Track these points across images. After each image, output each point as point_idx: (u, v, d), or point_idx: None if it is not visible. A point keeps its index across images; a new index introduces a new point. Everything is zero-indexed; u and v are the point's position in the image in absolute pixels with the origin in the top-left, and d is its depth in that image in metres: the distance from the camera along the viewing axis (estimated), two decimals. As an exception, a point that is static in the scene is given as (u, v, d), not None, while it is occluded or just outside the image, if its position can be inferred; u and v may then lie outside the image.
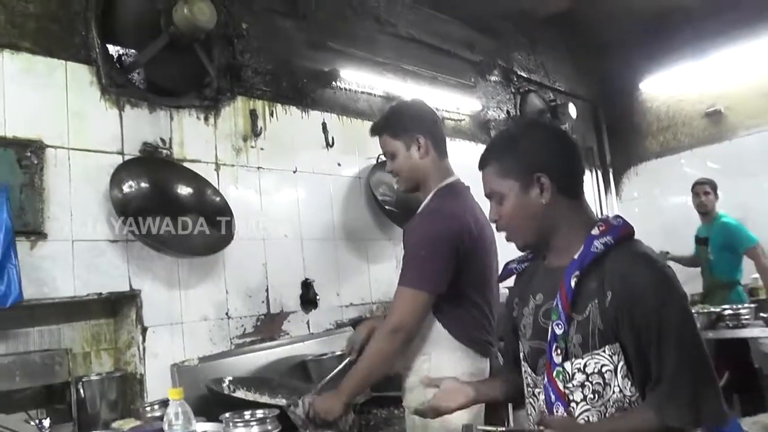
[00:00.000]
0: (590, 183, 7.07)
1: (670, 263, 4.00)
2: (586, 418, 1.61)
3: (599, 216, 1.80)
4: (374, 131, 2.66)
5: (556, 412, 1.65)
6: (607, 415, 1.59)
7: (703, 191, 5.44)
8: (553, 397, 1.65)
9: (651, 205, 6.93)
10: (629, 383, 1.58)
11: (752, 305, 4.59)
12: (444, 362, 2.38)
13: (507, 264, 1.99)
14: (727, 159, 6.34)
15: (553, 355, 1.64)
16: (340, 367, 2.66)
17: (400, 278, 2.36)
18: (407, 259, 2.39)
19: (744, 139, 6.29)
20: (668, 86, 6.80)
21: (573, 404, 1.63)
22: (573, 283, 1.62)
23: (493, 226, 1.89)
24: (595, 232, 1.67)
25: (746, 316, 4.41)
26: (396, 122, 2.59)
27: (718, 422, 1.56)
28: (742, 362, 4.69)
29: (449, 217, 2.39)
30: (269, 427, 2.18)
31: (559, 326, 1.63)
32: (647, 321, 1.54)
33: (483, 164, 1.81)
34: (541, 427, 1.55)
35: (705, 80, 6.51)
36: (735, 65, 6.26)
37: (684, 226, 5.77)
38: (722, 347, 4.56)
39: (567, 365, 1.63)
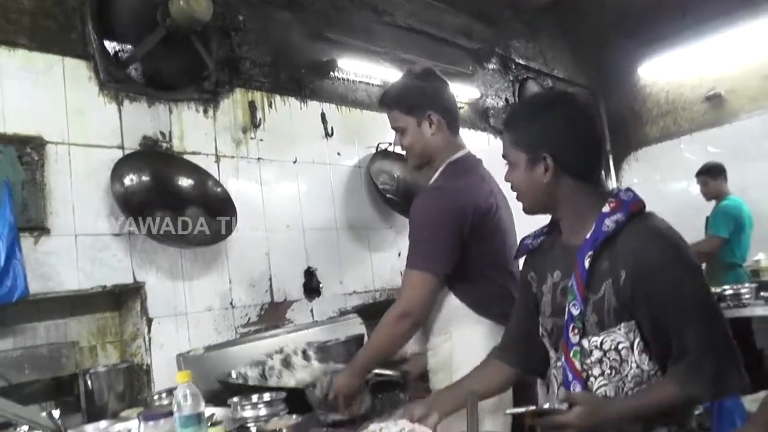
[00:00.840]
0: (591, 169, 7.07)
1: None
2: (604, 393, 1.64)
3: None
4: (384, 104, 2.54)
5: (573, 390, 1.67)
6: (624, 389, 1.62)
7: (701, 182, 5.56)
8: (570, 375, 1.68)
9: (651, 191, 6.90)
10: (647, 358, 1.61)
11: (753, 285, 4.60)
12: (466, 338, 2.31)
13: (523, 240, 1.99)
14: (727, 143, 6.33)
15: (570, 335, 1.67)
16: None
17: (407, 260, 2.32)
18: (411, 240, 2.33)
19: (745, 122, 6.29)
20: (667, 71, 6.79)
21: (591, 379, 1.66)
22: (587, 264, 1.64)
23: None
24: (605, 209, 1.67)
25: (747, 296, 4.43)
26: (408, 98, 2.46)
27: (741, 391, 1.59)
28: (744, 342, 4.71)
29: (452, 195, 2.30)
30: (277, 409, 2.21)
31: (576, 306, 1.66)
32: (664, 298, 1.57)
33: (504, 127, 1.86)
34: (566, 404, 1.57)
35: (704, 64, 6.50)
36: (735, 47, 6.24)
37: (685, 211, 5.75)
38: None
39: (584, 342, 1.66)
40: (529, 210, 1.82)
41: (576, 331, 1.66)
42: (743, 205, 5.44)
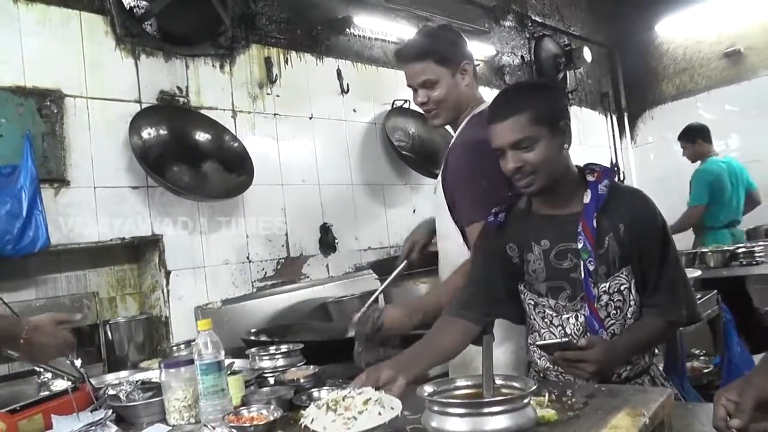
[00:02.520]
0: (605, 128, 7.04)
1: None
2: (613, 331, 1.86)
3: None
4: (411, 56, 2.33)
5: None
6: (626, 324, 1.88)
7: (681, 146, 5.60)
8: (596, 325, 1.85)
9: (666, 150, 6.86)
10: (638, 296, 1.89)
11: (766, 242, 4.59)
12: None
13: (488, 218, 2.07)
14: (745, 100, 6.27)
15: (592, 289, 1.85)
16: (395, 273, 2.57)
17: (464, 215, 2.23)
18: (469, 193, 2.22)
19: (764, 78, 6.20)
20: (686, 27, 6.69)
21: (602, 322, 1.86)
22: (595, 224, 1.85)
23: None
24: (591, 178, 1.92)
25: (761, 254, 4.41)
26: (442, 46, 2.31)
27: (698, 319, 1.99)
28: (742, 302, 4.70)
29: (488, 148, 2.15)
30: (294, 360, 2.25)
31: (591, 263, 1.84)
32: (651, 243, 1.89)
33: (511, 112, 1.85)
34: (584, 341, 1.73)
35: (724, 20, 6.39)
36: (756, 3, 6.14)
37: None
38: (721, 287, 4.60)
39: (595, 291, 1.86)
40: (541, 188, 1.89)
41: (593, 284, 1.85)
42: (725, 164, 5.34)
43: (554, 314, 1.93)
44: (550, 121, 1.85)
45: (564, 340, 1.77)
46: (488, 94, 5.20)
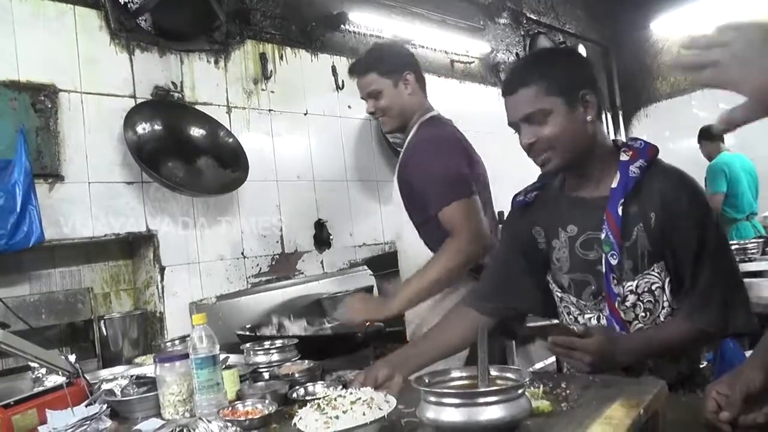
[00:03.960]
0: (601, 126, 7.05)
1: None
2: None
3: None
4: (358, 71, 2.53)
5: None
6: None
7: (701, 144, 5.76)
8: (617, 327, 1.69)
9: (661, 147, 6.79)
10: (671, 296, 1.66)
11: (760, 240, 4.61)
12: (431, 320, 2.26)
13: (515, 196, 1.95)
14: (739, 99, 6.24)
15: (612, 286, 1.67)
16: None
17: (435, 201, 2.26)
18: (430, 183, 2.29)
19: (758, 78, 6.21)
20: (680, 25, 6.70)
21: (626, 324, 1.68)
22: (620, 211, 1.64)
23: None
24: (624, 158, 1.69)
25: (753, 251, 4.43)
26: (384, 60, 2.51)
27: (746, 329, 1.65)
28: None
29: (451, 137, 2.41)
30: (289, 355, 2.24)
31: (614, 257, 1.65)
32: (689, 237, 1.62)
33: (521, 84, 1.69)
34: (581, 328, 1.66)
35: (718, 18, 6.38)
36: (749, 0, 6.14)
37: (693, 169, 5.71)
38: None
39: (618, 289, 1.67)
40: (564, 163, 1.70)
41: (615, 281, 1.67)
42: (736, 159, 5.49)
43: (578, 312, 1.77)
44: (568, 91, 1.65)
45: (554, 322, 1.67)
46: (482, 92, 5.25)
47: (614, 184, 1.66)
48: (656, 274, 1.65)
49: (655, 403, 1.35)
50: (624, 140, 1.78)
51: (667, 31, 6.86)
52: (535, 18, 6.20)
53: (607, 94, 7.17)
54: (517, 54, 5.86)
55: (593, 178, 1.74)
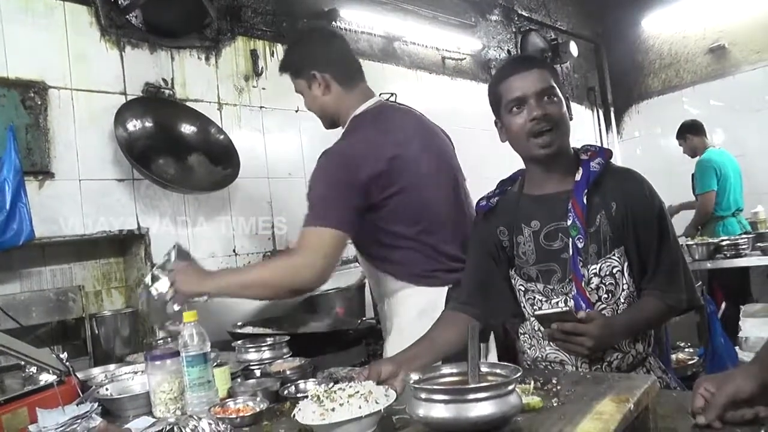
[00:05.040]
0: (591, 122, 7.07)
1: None
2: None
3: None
4: (281, 71, 2.43)
5: None
6: (618, 310, 1.82)
7: (680, 144, 5.75)
8: (583, 305, 1.80)
9: (652, 144, 6.93)
10: (631, 280, 1.83)
11: (750, 235, 4.65)
12: (396, 304, 2.27)
13: (479, 202, 2.09)
14: (729, 95, 6.31)
15: (580, 267, 1.81)
16: None
17: (304, 219, 2.11)
18: (311, 198, 2.12)
19: (748, 74, 6.25)
20: (671, 23, 6.74)
21: (592, 305, 1.81)
22: (585, 200, 1.82)
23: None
24: (584, 157, 1.90)
25: (744, 246, 4.47)
26: (292, 60, 2.38)
27: (698, 303, 1.92)
28: (740, 291, 4.77)
29: (355, 157, 2.12)
30: (280, 353, 2.25)
31: (580, 240, 1.81)
32: (648, 225, 1.83)
33: (535, 64, 1.88)
34: (583, 314, 1.70)
35: (709, 16, 6.44)
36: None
37: (684, 165, 5.79)
38: (720, 278, 4.66)
39: (584, 271, 1.82)
40: (559, 149, 1.85)
41: (581, 263, 1.81)
42: (724, 154, 5.49)
43: (544, 299, 1.88)
44: (562, 89, 1.90)
45: (565, 309, 1.70)
46: (474, 88, 5.24)
47: (578, 177, 1.86)
48: (616, 259, 1.81)
49: (645, 399, 1.35)
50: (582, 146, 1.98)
51: (658, 28, 6.88)
52: (526, 15, 6.20)
53: (599, 90, 7.19)
54: (508, 51, 5.86)
55: (556, 176, 1.90)
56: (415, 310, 2.20)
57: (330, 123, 2.42)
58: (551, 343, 1.84)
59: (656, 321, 1.89)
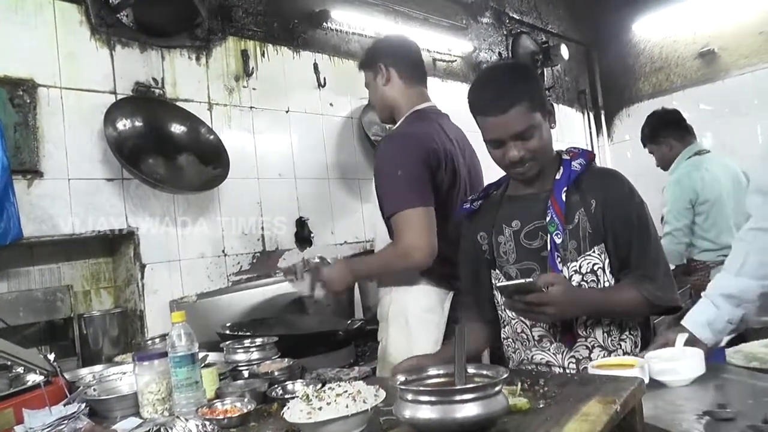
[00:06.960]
0: (582, 125, 7.09)
1: None
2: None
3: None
4: (359, 68, 2.73)
5: None
6: None
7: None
8: None
9: (642, 147, 6.93)
10: (613, 277, 1.85)
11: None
12: (401, 296, 2.41)
13: (462, 204, 2.14)
14: (719, 99, 6.33)
15: (557, 263, 1.84)
16: None
17: (386, 206, 2.31)
18: (386, 183, 2.32)
19: (737, 78, 6.27)
20: (662, 27, 6.75)
21: None
22: (564, 197, 1.85)
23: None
24: (566, 157, 1.93)
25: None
26: (366, 54, 2.67)
27: (676, 303, 1.90)
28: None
29: (417, 137, 2.33)
30: (269, 353, 2.25)
31: (558, 236, 1.83)
32: (628, 222, 1.85)
33: (511, 103, 1.81)
34: (543, 280, 1.73)
35: (699, 20, 6.46)
36: (729, 4, 6.21)
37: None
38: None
39: (564, 269, 1.84)
40: (537, 173, 1.91)
41: (560, 259, 1.84)
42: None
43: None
44: (542, 106, 1.86)
45: (527, 280, 1.72)
46: (465, 91, 5.21)
47: (558, 177, 1.89)
48: (597, 256, 1.83)
49: (632, 400, 1.36)
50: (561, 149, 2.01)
51: (649, 32, 6.90)
52: (517, 17, 6.21)
53: (590, 93, 7.21)
54: (499, 53, 5.88)
55: (538, 178, 1.93)
56: (425, 306, 2.36)
57: (387, 116, 2.63)
58: (514, 314, 1.91)
59: (627, 308, 1.85)
